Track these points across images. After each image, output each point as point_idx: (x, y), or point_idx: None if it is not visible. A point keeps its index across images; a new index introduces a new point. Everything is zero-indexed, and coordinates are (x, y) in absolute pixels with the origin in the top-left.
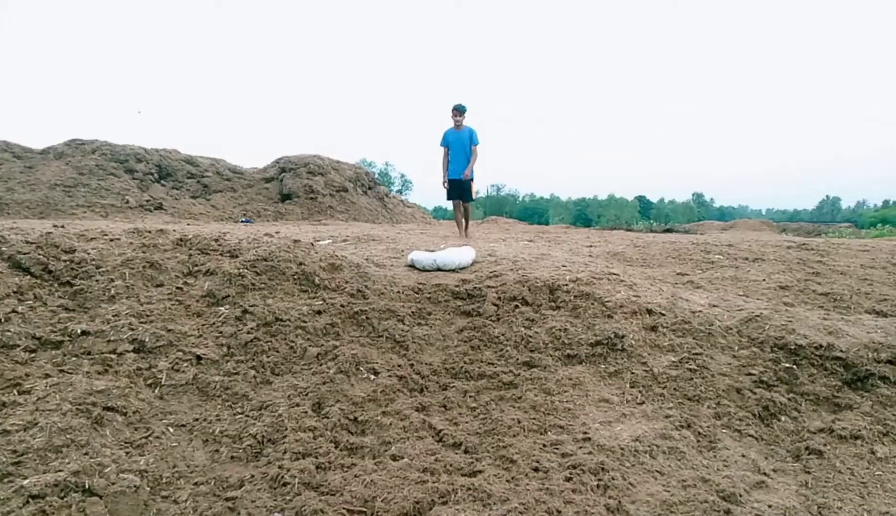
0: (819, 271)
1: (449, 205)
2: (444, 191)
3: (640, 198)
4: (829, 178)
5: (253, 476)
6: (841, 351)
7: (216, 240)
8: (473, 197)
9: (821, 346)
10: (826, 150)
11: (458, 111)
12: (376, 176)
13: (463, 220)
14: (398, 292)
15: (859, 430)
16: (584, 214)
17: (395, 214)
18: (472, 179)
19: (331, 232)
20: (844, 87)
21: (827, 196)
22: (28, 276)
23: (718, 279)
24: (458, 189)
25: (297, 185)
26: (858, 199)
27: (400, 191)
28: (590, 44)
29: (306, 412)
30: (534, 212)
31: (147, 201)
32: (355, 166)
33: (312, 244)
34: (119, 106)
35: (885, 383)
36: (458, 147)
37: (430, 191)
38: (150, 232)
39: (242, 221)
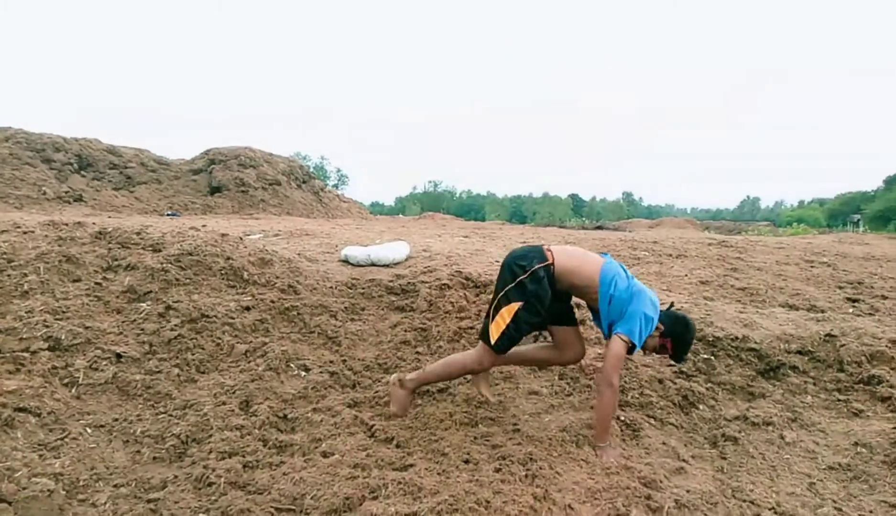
0: (737, 267)
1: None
2: None
3: (574, 197)
4: (750, 179)
5: (176, 476)
6: (755, 342)
7: (138, 234)
8: None
9: (737, 338)
10: (747, 153)
11: None
12: (311, 170)
13: None
14: (331, 287)
15: (770, 417)
16: (519, 211)
17: (331, 209)
18: None
19: (262, 226)
20: (766, 90)
21: (748, 196)
22: None
23: (644, 274)
24: None
25: (227, 178)
26: (777, 199)
27: (336, 186)
28: (523, 39)
29: (233, 410)
30: (470, 209)
31: (66, 193)
32: (289, 159)
33: (241, 238)
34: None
35: (794, 372)
36: None
37: (368, 189)
38: (66, 224)
39: (168, 215)
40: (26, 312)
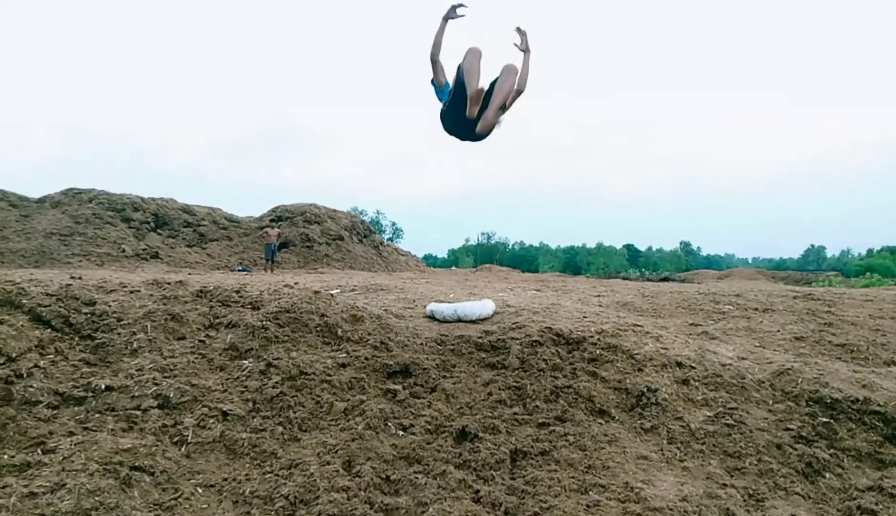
0: (830, 322)
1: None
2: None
3: (629, 247)
4: (812, 227)
5: None
6: (879, 405)
7: (237, 292)
8: None
9: (857, 400)
10: (810, 200)
11: None
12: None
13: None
14: (421, 344)
15: None
16: (573, 262)
17: (391, 262)
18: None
19: (326, 280)
20: (828, 140)
21: (812, 244)
22: (49, 330)
23: (732, 330)
24: None
25: (293, 234)
26: (843, 248)
27: (391, 239)
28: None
29: (338, 471)
30: (523, 260)
31: (143, 250)
32: (350, 214)
33: (333, 295)
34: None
35: None
36: None
37: (418, 240)
38: (169, 283)
39: (239, 270)
40: (136, 370)
